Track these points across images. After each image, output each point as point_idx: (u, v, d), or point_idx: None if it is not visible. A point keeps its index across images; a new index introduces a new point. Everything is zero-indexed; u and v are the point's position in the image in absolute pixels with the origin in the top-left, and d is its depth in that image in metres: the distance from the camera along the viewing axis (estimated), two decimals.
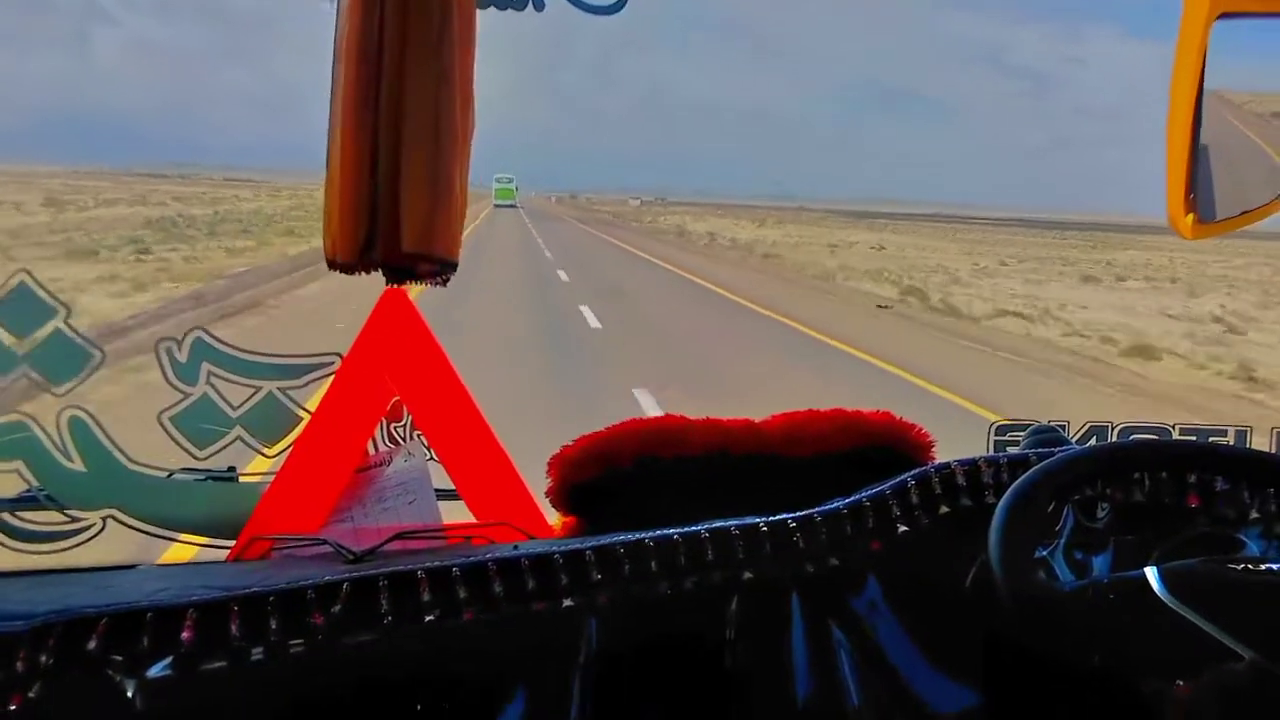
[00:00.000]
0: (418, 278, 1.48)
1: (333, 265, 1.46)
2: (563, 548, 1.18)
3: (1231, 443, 1.73)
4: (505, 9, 1.63)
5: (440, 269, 1.47)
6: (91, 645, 1.01)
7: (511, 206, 60.78)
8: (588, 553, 1.17)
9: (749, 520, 1.23)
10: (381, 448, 1.52)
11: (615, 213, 71.19)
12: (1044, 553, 1.18)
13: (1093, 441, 1.68)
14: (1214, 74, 1.61)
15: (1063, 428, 1.60)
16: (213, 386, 1.50)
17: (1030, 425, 1.52)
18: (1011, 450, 1.45)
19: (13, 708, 1.01)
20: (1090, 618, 1.04)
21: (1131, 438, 1.71)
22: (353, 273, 1.46)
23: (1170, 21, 1.61)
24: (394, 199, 1.42)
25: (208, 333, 1.52)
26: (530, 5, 1.65)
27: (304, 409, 1.52)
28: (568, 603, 1.15)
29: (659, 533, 1.20)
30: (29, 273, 1.49)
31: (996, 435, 1.68)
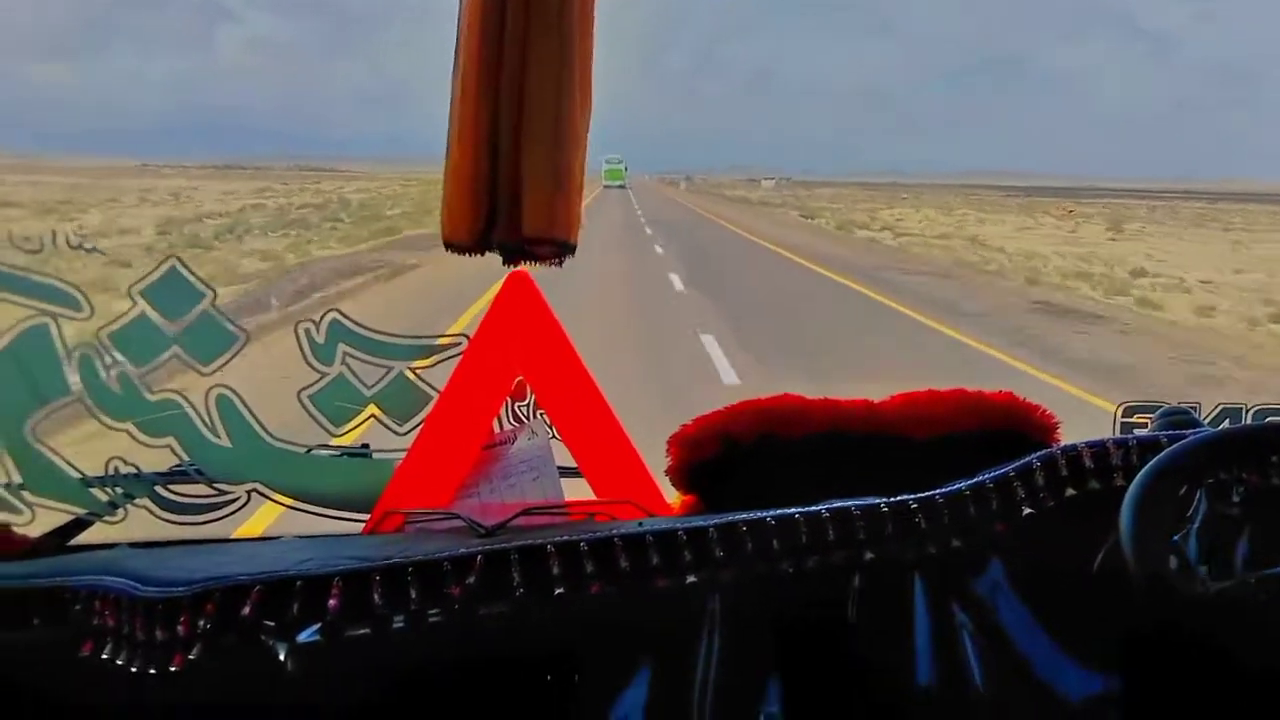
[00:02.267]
0: (536, 259, 1.52)
1: (449, 246, 1.51)
2: (686, 525, 1.21)
3: None
4: None
5: (560, 251, 1.51)
6: (246, 611, 1.08)
7: (621, 187, 61.45)
8: (711, 530, 1.19)
9: (870, 500, 1.24)
10: (506, 426, 1.57)
11: (757, 199, 64.21)
12: (1176, 539, 1.15)
13: (1225, 424, 1.63)
14: None
15: (1194, 409, 1.56)
16: (348, 366, 1.57)
17: (1160, 406, 1.48)
18: (1141, 432, 1.42)
19: (173, 669, 1.09)
20: (1231, 617, 1.02)
21: (1267, 420, 1.65)
22: (468, 253, 1.51)
23: None
24: (515, 183, 1.46)
25: (343, 315, 1.59)
26: None
27: (433, 388, 1.58)
28: (691, 579, 1.17)
29: (781, 512, 1.22)
30: (179, 259, 1.58)
31: (1124, 416, 1.65)
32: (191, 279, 1.56)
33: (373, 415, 1.58)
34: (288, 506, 1.56)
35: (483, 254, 1.51)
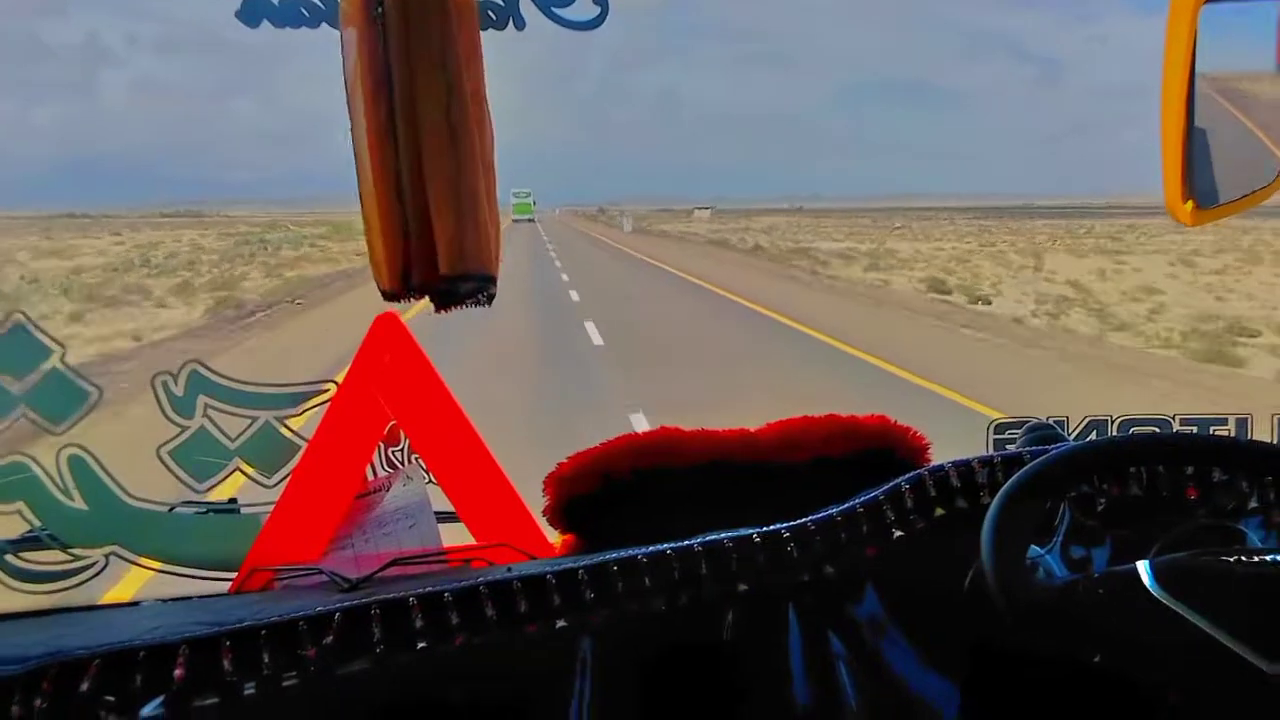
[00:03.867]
0: (462, 298, 1.47)
1: (386, 296, 1.47)
2: (555, 567, 1.18)
3: (1231, 432, 1.70)
4: (486, 29, 1.63)
5: (480, 285, 1.46)
6: (84, 687, 1.02)
7: (530, 220, 58.78)
8: (580, 571, 1.16)
9: (742, 532, 1.22)
10: (380, 473, 1.52)
11: (708, 236, 47.94)
12: (1041, 552, 1.16)
13: (1092, 436, 1.66)
14: (1204, 57, 1.59)
15: (1061, 424, 1.58)
16: (209, 419, 1.51)
17: (1028, 422, 1.50)
18: (1007, 449, 1.44)
19: None
20: (1081, 613, 1.03)
21: (1130, 431, 1.69)
22: (400, 300, 1.46)
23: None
24: (425, 223, 1.43)
25: (203, 365, 1.53)
26: (511, 23, 1.64)
27: (302, 437, 1.52)
28: (561, 623, 1.14)
29: (652, 549, 1.20)
30: (24, 314, 1.50)
31: (995, 434, 1.67)
32: (39, 335, 1.49)
33: (239, 469, 1.52)
34: (150, 569, 1.49)
35: (413, 299, 1.46)
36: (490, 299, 1.48)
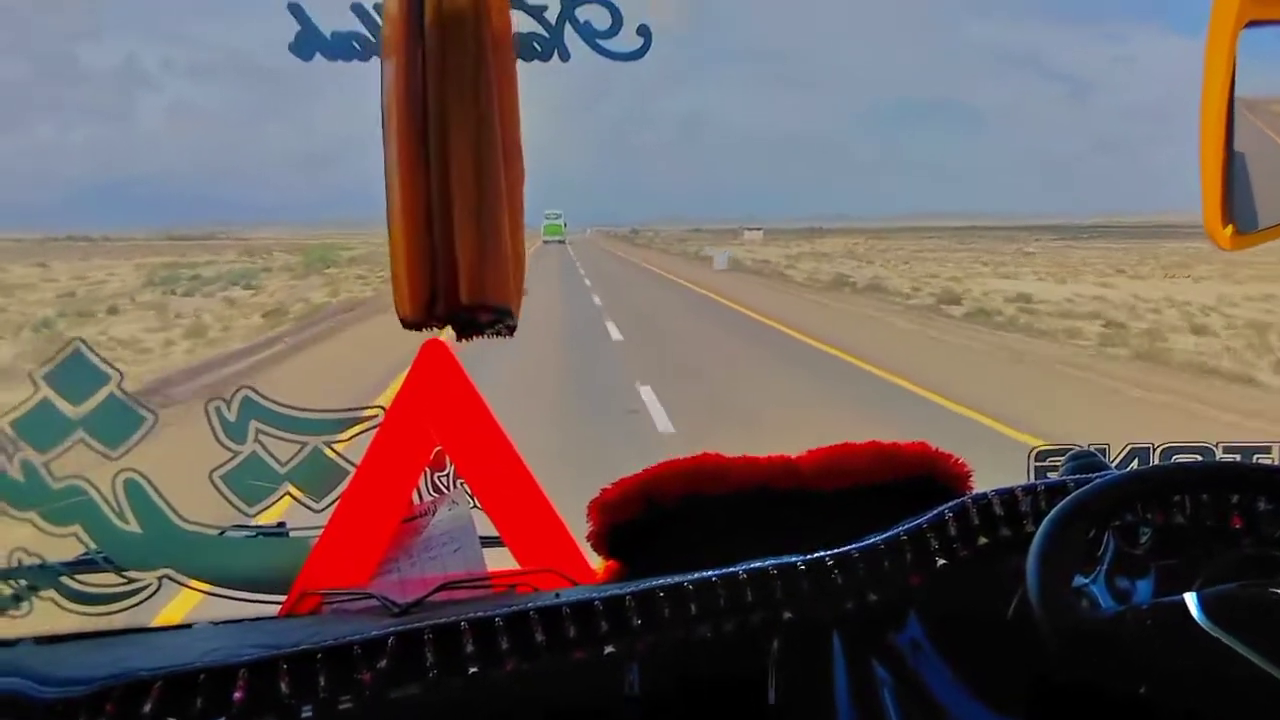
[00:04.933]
0: (482, 329, 1.50)
1: (405, 324, 1.49)
2: (603, 594, 1.19)
3: (1275, 460, 1.69)
4: (532, 60, 1.66)
5: (498, 317, 1.49)
6: (147, 708, 1.04)
7: (560, 242, 58.07)
8: (628, 598, 1.18)
9: (787, 559, 1.23)
10: (426, 498, 1.55)
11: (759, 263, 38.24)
12: (1085, 581, 1.16)
13: (1134, 464, 1.66)
14: (1245, 81, 1.59)
15: (1103, 451, 1.58)
16: (261, 444, 1.54)
17: (1070, 449, 1.50)
18: (1050, 477, 1.44)
19: None
20: (1129, 645, 1.03)
21: (1173, 459, 1.68)
22: (421, 329, 1.49)
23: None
24: (450, 252, 1.45)
25: (255, 391, 1.56)
26: (556, 55, 1.67)
27: (350, 463, 1.55)
28: (609, 649, 1.15)
29: (697, 575, 1.21)
30: (83, 341, 1.54)
31: (1036, 461, 1.66)
32: (96, 361, 1.53)
33: (288, 493, 1.55)
34: (201, 592, 1.52)
35: (434, 328, 1.50)
36: (511, 330, 1.51)
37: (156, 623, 1.54)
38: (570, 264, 36.51)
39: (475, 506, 1.54)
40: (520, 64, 1.61)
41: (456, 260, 1.45)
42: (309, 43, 1.57)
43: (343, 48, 1.58)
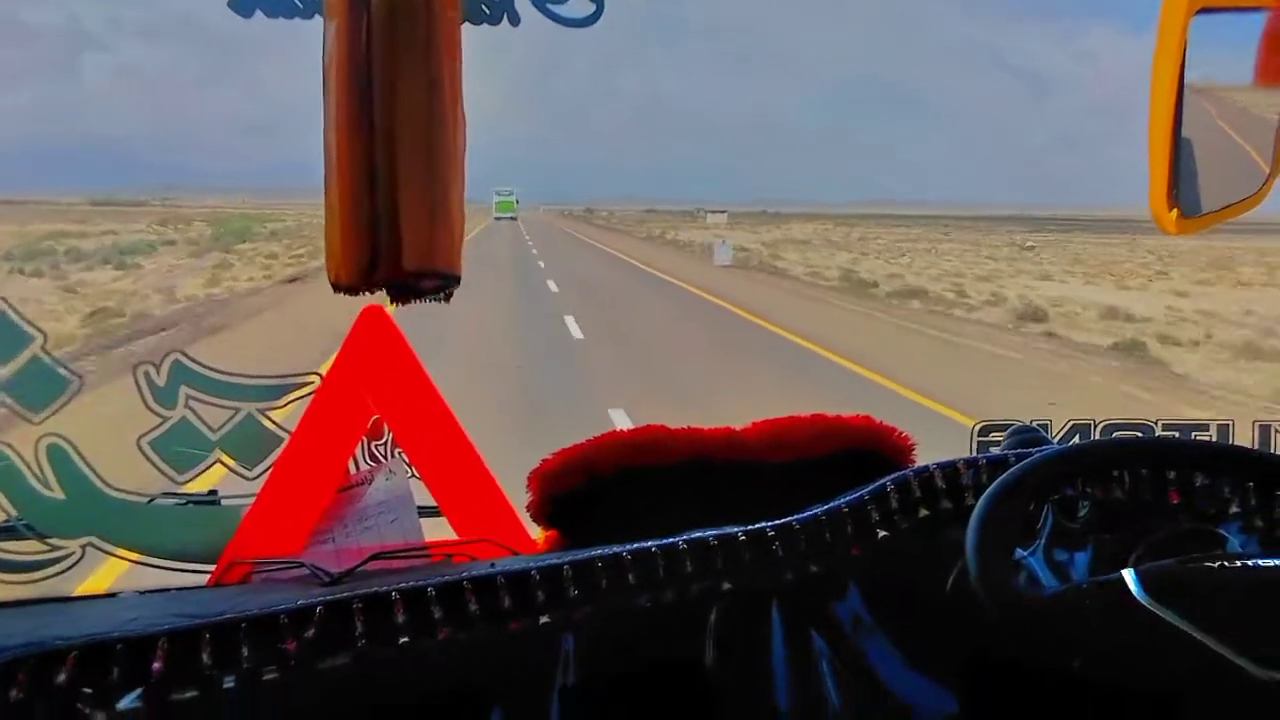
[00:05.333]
0: (421, 294, 1.47)
1: (337, 288, 1.46)
2: (540, 564, 1.17)
3: (1213, 438, 1.72)
4: (480, 24, 1.63)
5: (444, 283, 1.46)
6: (61, 678, 1.00)
7: (512, 219, 56.88)
8: (565, 568, 1.16)
9: (727, 530, 1.22)
10: (363, 466, 1.52)
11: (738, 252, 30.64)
12: (1025, 554, 1.16)
13: (1075, 440, 1.67)
14: (1194, 68, 1.60)
15: (1045, 427, 1.58)
16: (191, 410, 1.50)
17: (1012, 425, 1.51)
18: (991, 451, 1.44)
19: None
20: (1070, 623, 1.03)
21: (1113, 435, 1.69)
22: (356, 293, 1.46)
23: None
24: (394, 218, 1.42)
25: (186, 355, 1.52)
26: (505, 19, 1.64)
27: (284, 430, 1.51)
28: (544, 620, 1.14)
29: (637, 545, 1.19)
30: (4, 300, 1.48)
31: (979, 436, 1.67)
32: (19, 321, 1.47)
33: (219, 460, 1.50)
34: (128, 561, 1.47)
35: (370, 293, 1.46)
36: (448, 297, 1.48)
37: (82, 593, 1.50)
38: (526, 253, 29.54)
39: (413, 476, 1.51)
40: (470, 29, 1.58)
41: (400, 226, 1.42)
42: None
43: (283, 4, 1.53)
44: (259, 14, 1.55)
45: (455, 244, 1.46)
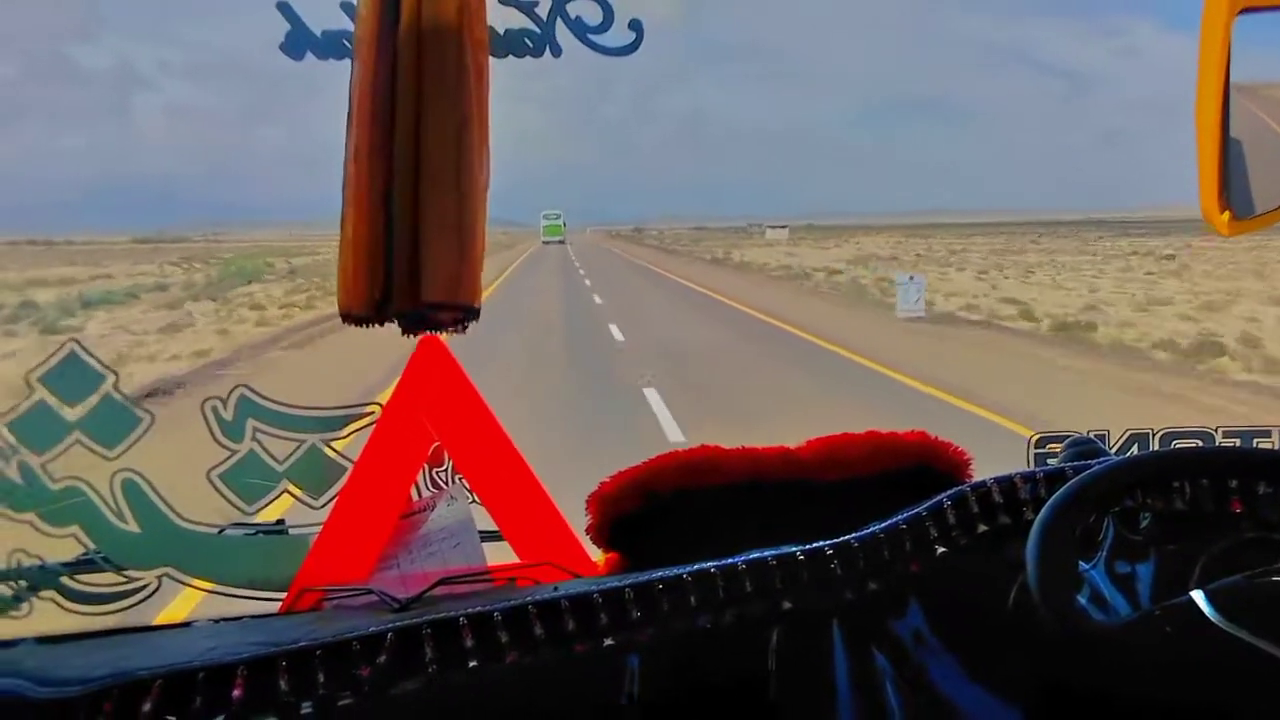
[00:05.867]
0: (436, 327, 1.50)
1: (346, 318, 1.49)
2: (602, 586, 1.19)
3: (1275, 444, 1.69)
4: (524, 56, 1.66)
5: (463, 316, 1.50)
6: (146, 708, 1.04)
7: (560, 242, 56.52)
8: (627, 590, 1.18)
9: (786, 550, 1.23)
10: (425, 493, 1.55)
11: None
12: (1087, 567, 1.16)
13: (1133, 450, 1.65)
14: (1239, 68, 1.59)
15: (1102, 438, 1.57)
16: (258, 442, 1.54)
17: (1069, 436, 1.50)
18: (1049, 464, 1.43)
19: None
20: (1145, 652, 1.02)
21: (1172, 445, 1.68)
22: (367, 325, 1.50)
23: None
24: (413, 249, 1.45)
25: (251, 389, 1.56)
26: (548, 51, 1.67)
27: (348, 459, 1.55)
28: (609, 642, 1.15)
29: (696, 567, 1.21)
30: (78, 341, 1.54)
31: (1036, 448, 1.66)
32: (91, 362, 1.52)
33: (287, 490, 1.55)
34: (202, 590, 1.52)
35: (380, 324, 1.50)
36: (464, 329, 1.51)
37: (159, 622, 1.54)
38: (578, 285, 25.51)
39: (474, 501, 1.54)
40: (514, 61, 1.61)
41: (421, 258, 1.44)
42: (300, 41, 1.57)
43: (333, 46, 1.58)
44: (310, 55, 1.60)
45: (477, 278, 1.49)
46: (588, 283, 25.52)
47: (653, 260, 40.21)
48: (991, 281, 26.67)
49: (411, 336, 1.52)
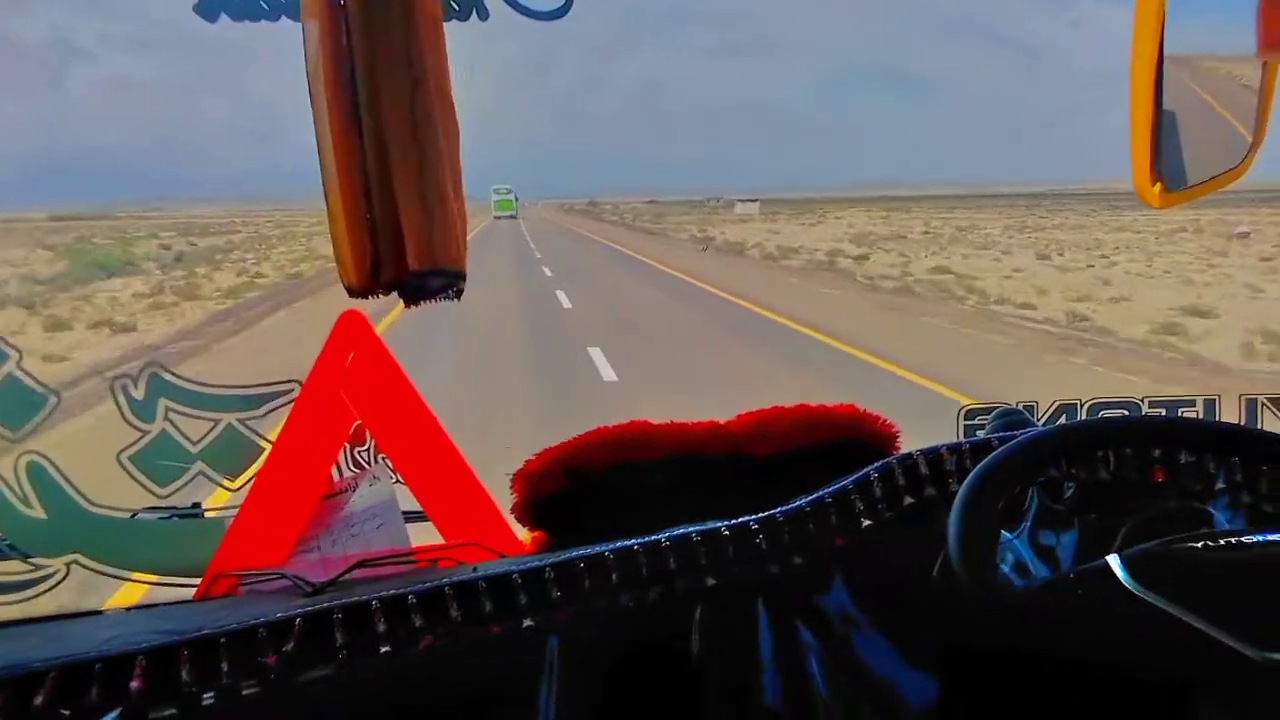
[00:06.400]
0: (432, 294, 1.46)
1: (352, 293, 1.44)
2: (521, 566, 1.16)
3: (1199, 414, 1.70)
4: (450, 20, 1.61)
5: (450, 281, 1.44)
6: (39, 700, 0.99)
7: (511, 217, 55.49)
8: (547, 569, 1.15)
9: (711, 525, 1.21)
10: (346, 473, 1.50)
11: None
12: (1010, 538, 1.15)
13: (1061, 420, 1.65)
14: (1174, 39, 1.58)
15: (1031, 409, 1.57)
16: (171, 422, 1.49)
17: (998, 408, 1.49)
18: (975, 436, 1.42)
19: None
20: (1058, 615, 1.01)
21: (1099, 414, 1.68)
22: (370, 296, 1.44)
23: None
24: (392, 218, 1.41)
25: (164, 368, 1.51)
26: (475, 13, 1.62)
27: (265, 439, 1.50)
28: (528, 622, 1.12)
29: (619, 544, 1.18)
30: None
31: (966, 420, 1.65)
32: None
33: (201, 472, 1.49)
34: (110, 577, 1.46)
35: (381, 295, 1.44)
36: (459, 294, 1.46)
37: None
38: (535, 273, 20.91)
39: (398, 481, 1.50)
40: (459, 27, 1.57)
41: (400, 227, 1.40)
42: (214, 3, 1.51)
43: (250, 7, 1.52)
44: (225, 18, 1.54)
45: (455, 240, 1.44)
46: (549, 274, 19.83)
47: (622, 241, 33.53)
48: (1099, 271, 20.50)
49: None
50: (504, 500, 1.47)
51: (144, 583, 1.47)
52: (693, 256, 26.85)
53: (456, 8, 1.60)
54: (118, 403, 1.48)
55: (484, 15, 1.62)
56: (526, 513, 1.41)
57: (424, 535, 1.50)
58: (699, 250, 29.67)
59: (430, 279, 1.43)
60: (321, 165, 1.42)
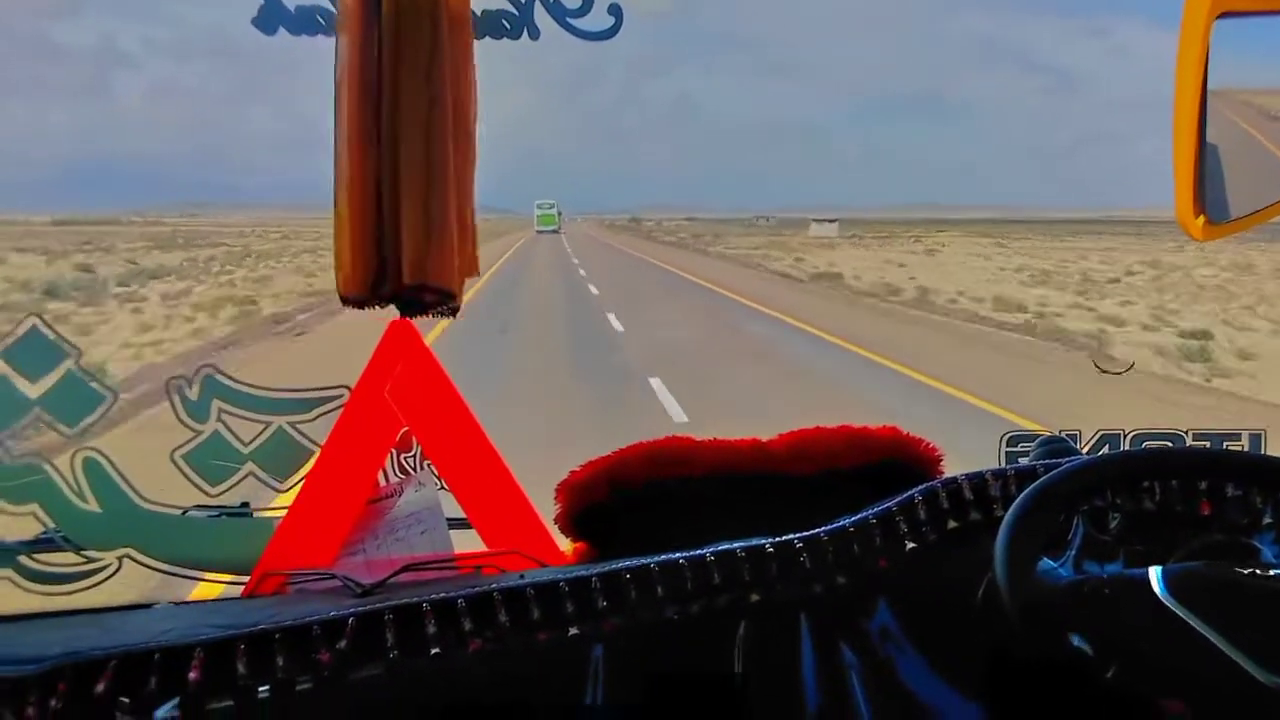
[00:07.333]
0: (427, 309, 1.49)
1: (346, 301, 1.48)
2: (568, 575, 1.18)
3: (1245, 447, 1.70)
4: (501, 38, 1.64)
5: (441, 299, 1.48)
6: (100, 688, 1.02)
7: (554, 231, 55.49)
8: (594, 579, 1.17)
9: (755, 542, 1.22)
10: (392, 479, 1.53)
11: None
12: (1054, 566, 1.16)
13: (1104, 450, 1.66)
14: (1217, 73, 1.60)
15: (1074, 437, 1.58)
16: (223, 423, 1.52)
17: (1041, 436, 1.50)
18: (1021, 462, 1.43)
19: None
20: (1087, 613, 1.02)
21: (1143, 445, 1.68)
22: (365, 307, 1.48)
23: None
24: (397, 233, 1.44)
25: (218, 370, 1.54)
26: (526, 33, 1.65)
27: (315, 443, 1.53)
28: (574, 631, 1.15)
29: (664, 557, 1.20)
30: (40, 317, 1.51)
31: (1008, 446, 1.66)
32: (54, 338, 1.50)
33: (251, 473, 1.52)
34: (161, 572, 1.49)
35: (378, 306, 1.48)
36: (454, 312, 1.50)
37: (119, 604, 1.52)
38: (585, 296, 18.00)
39: (443, 488, 1.53)
40: (500, 49, 1.60)
41: (402, 240, 1.44)
42: (272, 17, 1.54)
43: (307, 22, 1.55)
44: (282, 31, 1.57)
45: (450, 260, 1.47)
46: (614, 325, 14.22)
47: (683, 266, 26.72)
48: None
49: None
50: (546, 511, 1.50)
51: (194, 578, 1.50)
52: (782, 289, 21.80)
53: (508, 26, 1.63)
54: (172, 403, 1.51)
55: (535, 35, 1.65)
56: (569, 523, 1.43)
57: (466, 543, 1.52)
58: (783, 277, 24.90)
59: (424, 294, 1.46)
60: (336, 173, 1.46)
